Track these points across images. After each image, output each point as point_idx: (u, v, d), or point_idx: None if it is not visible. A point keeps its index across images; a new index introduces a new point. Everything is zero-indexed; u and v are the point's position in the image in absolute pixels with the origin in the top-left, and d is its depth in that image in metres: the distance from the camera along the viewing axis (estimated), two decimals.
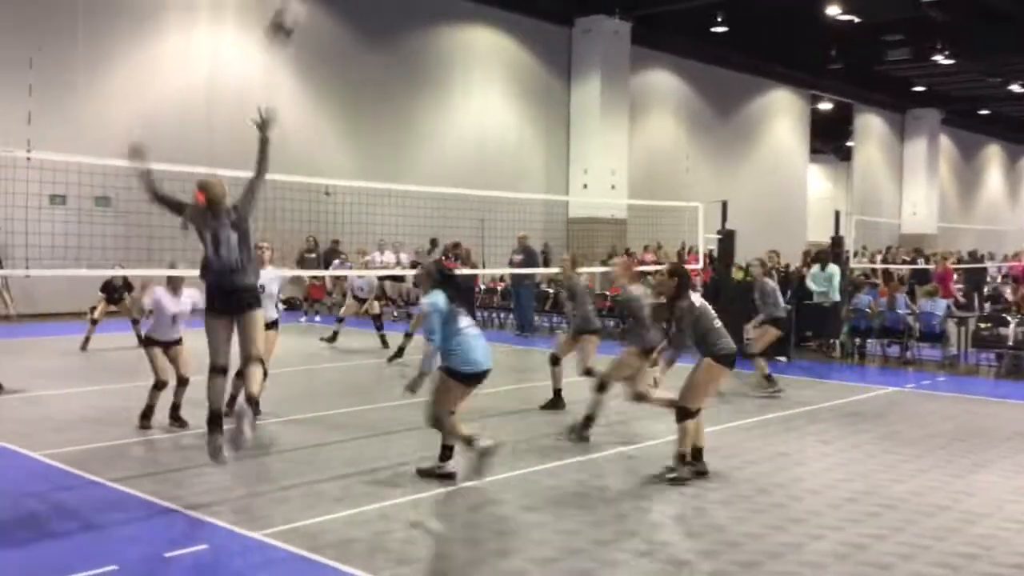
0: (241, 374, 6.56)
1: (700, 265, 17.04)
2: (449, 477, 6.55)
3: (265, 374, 8.69)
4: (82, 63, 18.58)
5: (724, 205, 14.98)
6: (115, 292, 13.58)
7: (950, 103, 39.81)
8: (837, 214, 17.23)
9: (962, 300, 18.17)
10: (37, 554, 5.14)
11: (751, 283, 11.83)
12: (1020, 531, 5.78)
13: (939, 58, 29.36)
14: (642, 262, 21.21)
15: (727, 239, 14.67)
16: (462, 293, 19.21)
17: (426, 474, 6.62)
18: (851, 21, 25.74)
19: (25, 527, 5.56)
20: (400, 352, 12.72)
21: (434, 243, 21.17)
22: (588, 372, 8.89)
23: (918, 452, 7.84)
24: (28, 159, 10.10)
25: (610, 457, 7.48)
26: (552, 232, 25.25)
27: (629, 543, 5.39)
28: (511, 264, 17.54)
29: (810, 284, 14.72)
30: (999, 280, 26.21)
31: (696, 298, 6.90)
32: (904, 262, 25.23)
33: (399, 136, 23.76)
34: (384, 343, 13.97)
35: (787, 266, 17.59)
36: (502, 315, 19.18)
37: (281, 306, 9.87)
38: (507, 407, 9.57)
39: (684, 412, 6.69)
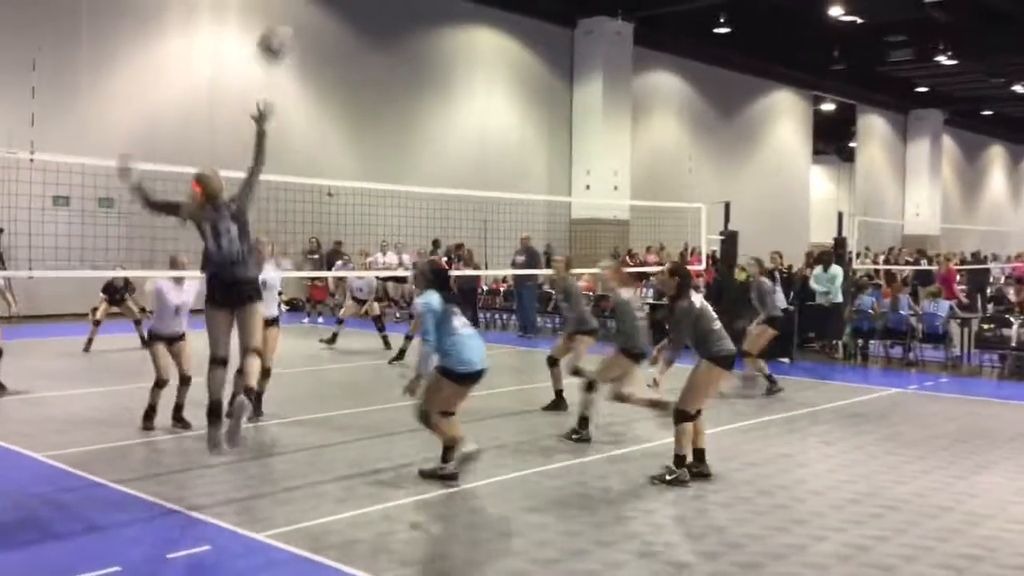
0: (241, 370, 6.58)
1: (703, 266, 17.03)
2: (451, 478, 6.55)
3: (268, 373, 8.75)
4: (85, 65, 18.61)
5: (727, 206, 14.98)
6: (116, 293, 13.60)
7: (953, 104, 39.79)
8: (840, 215, 17.24)
9: (965, 301, 18.15)
10: (40, 555, 5.15)
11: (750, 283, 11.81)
12: (1023, 532, 5.77)
13: (942, 59, 29.34)
14: (644, 263, 21.23)
15: (730, 240, 14.67)
16: (464, 294, 19.30)
17: (428, 475, 6.62)
18: (854, 22, 25.74)
19: (28, 528, 5.57)
20: (401, 354, 12.73)
21: (436, 244, 21.18)
22: (576, 372, 8.97)
23: (921, 453, 7.83)
24: (31, 160, 10.11)
25: (611, 458, 7.47)
26: (554, 233, 25.25)
27: (631, 544, 5.38)
28: (513, 265, 17.53)
29: (813, 285, 14.71)
30: (1002, 281, 26.17)
31: (696, 299, 6.87)
32: (907, 263, 25.22)
33: (402, 137, 23.77)
34: (386, 344, 13.98)
35: (790, 267, 17.58)
36: (504, 316, 19.18)
37: (284, 307, 9.89)
38: (509, 408, 9.58)
39: (683, 414, 6.68)
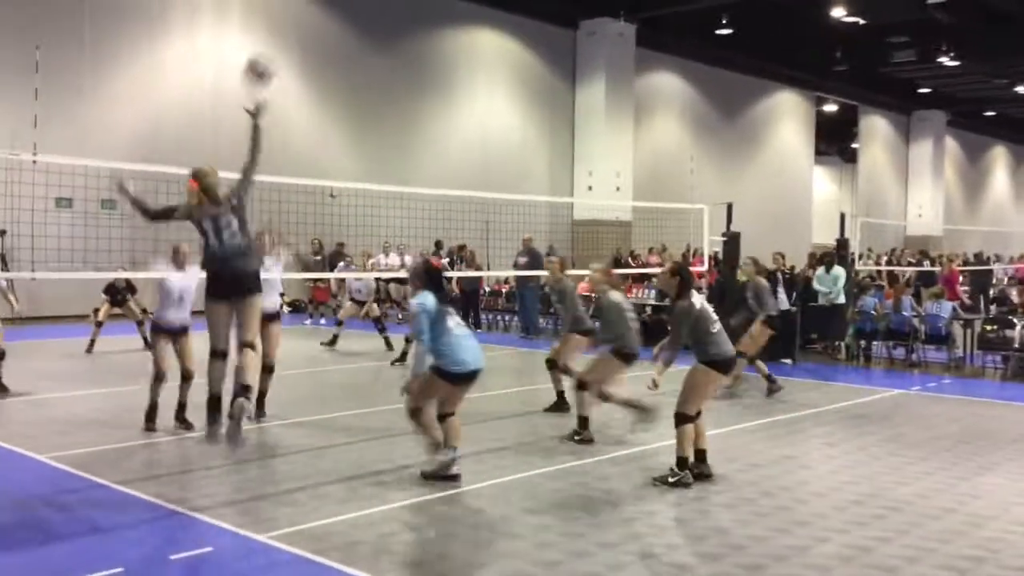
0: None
1: (705, 267, 17.02)
2: (453, 479, 6.56)
3: (271, 369, 8.78)
4: (88, 67, 18.64)
5: (729, 207, 14.97)
6: (118, 294, 13.61)
7: (955, 105, 39.75)
8: (842, 216, 17.23)
9: (968, 302, 18.12)
10: (42, 556, 5.15)
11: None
12: None
13: (944, 60, 29.32)
14: (647, 264, 21.21)
15: (732, 241, 14.66)
16: (467, 295, 19.27)
17: (430, 476, 6.62)
18: (856, 23, 25.72)
19: (30, 529, 5.58)
20: (404, 356, 12.73)
21: (439, 245, 21.18)
22: (565, 371, 9.03)
23: (924, 455, 7.82)
24: (34, 162, 10.12)
25: (613, 460, 7.47)
26: (557, 234, 25.24)
27: (633, 546, 5.38)
28: (516, 266, 17.54)
29: (816, 286, 14.70)
30: (1005, 282, 26.14)
31: (696, 299, 6.83)
32: (910, 264, 25.19)
33: (404, 139, 23.79)
34: (389, 345, 13.98)
35: (792, 268, 17.57)
36: (506, 317, 19.18)
37: (286, 308, 9.92)
38: (511, 409, 9.57)
39: (683, 416, 6.67)
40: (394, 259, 20.02)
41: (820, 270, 14.94)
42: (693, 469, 6.71)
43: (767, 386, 10.69)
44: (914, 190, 41.94)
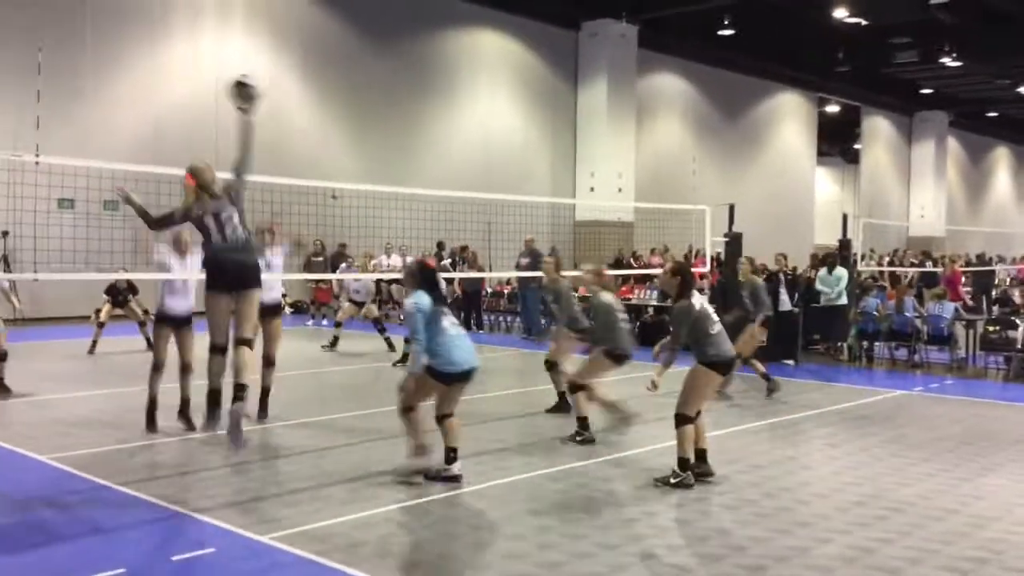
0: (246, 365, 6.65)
1: (707, 268, 17.01)
2: (455, 479, 6.56)
3: (272, 362, 8.79)
4: (90, 69, 18.66)
5: (731, 208, 14.96)
6: (119, 295, 13.62)
7: (958, 105, 39.73)
8: (845, 217, 17.21)
9: (970, 303, 18.10)
10: (44, 557, 5.16)
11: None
12: None
13: (947, 60, 29.31)
14: (649, 265, 21.20)
15: (734, 242, 14.65)
16: (469, 296, 19.25)
17: (433, 477, 6.62)
18: (858, 24, 25.72)
19: (33, 530, 5.58)
20: (405, 357, 12.73)
21: (441, 246, 21.19)
22: (553, 367, 9.15)
23: (926, 455, 7.81)
24: (36, 163, 10.12)
25: (615, 461, 7.46)
26: (559, 235, 25.23)
27: (635, 547, 5.37)
28: (518, 267, 17.55)
29: (818, 287, 14.69)
30: (1007, 283, 26.11)
31: (697, 300, 6.81)
32: (912, 265, 25.16)
33: (405, 140, 23.80)
34: (390, 346, 13.99)
35: (794, 269, 17.56)
36: (508, 318, 19.18)
37: (288, 310, 9.94)
38: (513, 410, 9.57)
39: (682, 417, 6.67)
40: (396, 260, 20.03)
41: (822, 271, 14.94)
42: (694, 469, 6.70)
43: (766, 386, 10.68)
44: (916, 191, 41.91)
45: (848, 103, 38.53)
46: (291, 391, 10.21)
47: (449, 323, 6.54)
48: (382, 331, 14.45)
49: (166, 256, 8.35)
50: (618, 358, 8.11)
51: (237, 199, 6.48)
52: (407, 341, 12.75)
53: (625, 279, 19.48)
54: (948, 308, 13.59)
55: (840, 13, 24.90)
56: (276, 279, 9.09)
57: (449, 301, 20.08)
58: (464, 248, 19.72)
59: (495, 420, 9.01)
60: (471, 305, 18.67)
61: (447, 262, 20.20)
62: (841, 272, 14.58)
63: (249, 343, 6.53)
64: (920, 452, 7.93)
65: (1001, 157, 50.07)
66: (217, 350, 6.46)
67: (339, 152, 22.51)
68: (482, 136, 25.61)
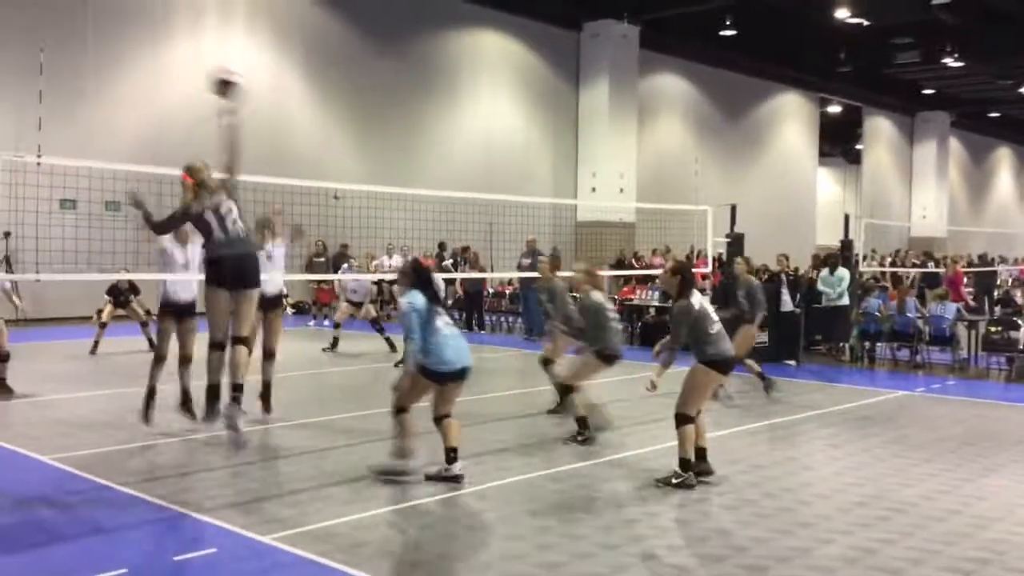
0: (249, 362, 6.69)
1: (709, 269, 17.01)
2: (456, 479, 6.56)
3: (273, 355, 8.81)
4: (92, 69, 18.68)
5: (733, 208, 14.97)
6: (121, 295, 13.62)
7: (960, 106, 39.70)
8: (846, 217, 17.23)
9: (972, 303, 18.09)
10: (46, 557, 5.16)
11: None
12: None
13: (948, 61, 29.29)
14: (650, 266, 21.19)
15: (736, 243, 14.65)
16: (470, 297, 19.20)
17: (434, 478, 6.62)
18: (860, 24, 25.71)
19: (34, 530, 5.58)
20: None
21: (442, 247, 21.20)
22: (546, 364, 9.20)
23: (928, 456, 7.80)
24: (38, 164, 10.14)
25: (615, 462, 7.46)
26: (560, 236, 25.25)
27: (635, 547, 5.37)
28: (519, 268, 17.55)
29: (820, 287, 14.68)
30: (1009, 283, 26.09)
31: (696, 299, 6.81)
32: (914, 265, 25.15)
33: (407, 140, 23.80)
34: (391, 346, 13.98)
35: (796, 269, 17.55)
36: (510, 319, 19.18)
37: (290, 311, 9.95)
38: (514, 411, 9.57)
39: (683, 417, 6.66)
40: (397, 261, 20.03)
41: (824, 271, 14.93)
42: (694, 468, 6.70)
43: (763, 384, 10.69)
44: (918, 191, 41.88)
45: (850, 103, 38.52)
46: (292, 392, 10.21)
47: (443, 323, 6.55)
48: (381, 331, 14.44)
49: (167, 242, 8.36)
50: (608, 358, 8.12)
51: (234, 192, 6.53)
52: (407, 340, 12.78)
53: (627, 280, 19.48)
54: (950, 309, 13.58)
55: (842, 13, 24.89)
56: (278, 272, 9.08)
57: (451, 302, 20.10)
58: (466, 249, 19.72)
59: (495, 420, 9.01)
60: (473, 306, 18.67)
61: (449, 263, 20.22)
62: (843, 273, 14.58)
63: (246, 342, 6.58)
64: (922, 453, 7.93)
65: (1003, 157, 50.04)
66: (216, 346, 6.52)
67: (341, 152, 22.52)
68: (484, 137, 25.62)
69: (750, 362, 10.76)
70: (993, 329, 13.18)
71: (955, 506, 6.32)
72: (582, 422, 8.13)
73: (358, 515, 5.87)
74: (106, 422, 8.62)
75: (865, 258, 22.66)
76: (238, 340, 6.51)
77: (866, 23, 25.66)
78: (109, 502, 6.13)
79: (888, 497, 6.49)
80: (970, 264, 26.35)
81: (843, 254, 15.64)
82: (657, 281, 16.40)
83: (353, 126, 22.99)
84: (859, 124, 40.37)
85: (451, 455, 6.61)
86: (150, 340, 12.80)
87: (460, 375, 6.58)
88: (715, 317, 6.87)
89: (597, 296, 8.32)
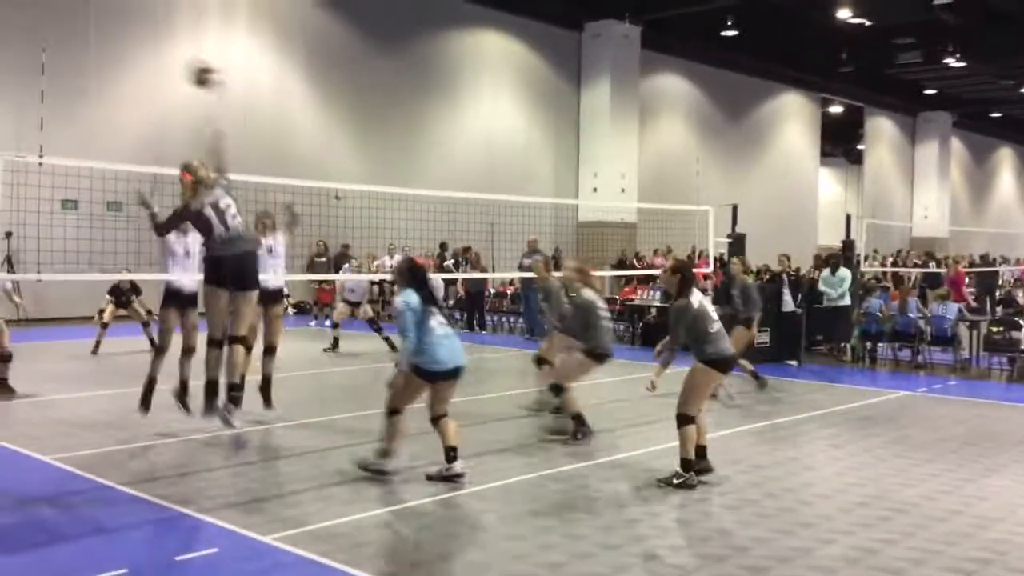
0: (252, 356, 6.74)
1: (710, 269, 17.01)
2: (457, 478, 6.56)
3: (274, 351, 8.82)
4: (94, 69, 18.69)
5: (734, 209, 14.98)
6: (122, 295, 13.62)
7: (961, 106, 39.67)
8: (848, 217, 17.23)
9: (974, 304, 18.09)
10: (47, 557, 5.17)
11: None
12: None
13: (950, 61, 29.27)
14: (652, 266, 21.20)
15: (737, 243, 14.66)
16: (472, 297, 19.18)
17: (435, 478, 6.62)
18: (862, 24, 25.70)
19: (36, 530, 5.59)
20: None
21: (444, 247, 21.20)
22: (540, 362, 9.20)
23: (929, 456, 7.80)
24: (40, 164, 10.15)
25: (616, 462, 7.46)
26: (562, 236, 25.26)
27: (636, 548, 5.37)
28: (520, 268, 17.55)
29: (822, 287, 14.68)
30: (1011, 284, 26.08)
31: (696, 299, 6.80)
32: (915, 265, 25.14)
33: (409, 140, 23.81)
34: (391, 346, 13.96)
35: (798, 270, 17.55)
36: (511, 319, 19.18)
37: (291, 311, 9.95)
38: (514, 411, 9.56)
39: (684, 417, 6.66)
40: (399, 261, 20.06)
41: (826, 272, 14.92)
42: (694, 467, 6.69)
43: (755, 383, 10.70)
44: (920, 191, 41.86)
45: (851, 104, 38.50)
46: (292, 392, 10.21)
47: (437, 323, 6.55)
48: (379, 331, 14.44)
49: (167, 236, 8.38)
50: (599, 357, 8.12)
51: (229, 189, 6.58)
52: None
53: (628, 280, 19.47)
54: (951, 309, 13.57)
55: (843, 14, 24.88)
56: (280, 265, 9.07)
57: (452, 302, 20.09)
58: (467, 249, 19.72)
59: (496, 420, 9.01)
60: (474, 306, 18.67)
61: (450, 263, 20.22)
62: (844, 273, 14.57)
63: (244, 341, 6.62)
64: (923, 453, 7.92)
65: (1005, 158, 50.00)
66: (215, 343, 6.59)
67: (342, 153, 22.53)
68: (485, 137, 25.62)
69: (744, 362, 10.76)
70: (995, 329, 13.17)
71: (957, 506, 6.31)
72: (579, 419, 8.12)
73: (359, 515, 5.87)
74: (107, 422, 8.63)
75: (867, 258, 22.65)
76: (235, 339, 6.55)
77: (868, 23, 25.65)
78: (110, 502, 6.14)
79: (890, 497, 6.49)
80: (972, 264, 26.35)
81: (844, 254, 15.64)
82: (657, 280, 16.42)
83: (355, 127, 22.99)
84: (861, 124, 40.35)
85: (451, 454, 6.61)
86: (151, 340, 12.79)
87: (453, 375, 6.58)
88: (715, 316, 6.86)
89: (588, 294, 8.31)
